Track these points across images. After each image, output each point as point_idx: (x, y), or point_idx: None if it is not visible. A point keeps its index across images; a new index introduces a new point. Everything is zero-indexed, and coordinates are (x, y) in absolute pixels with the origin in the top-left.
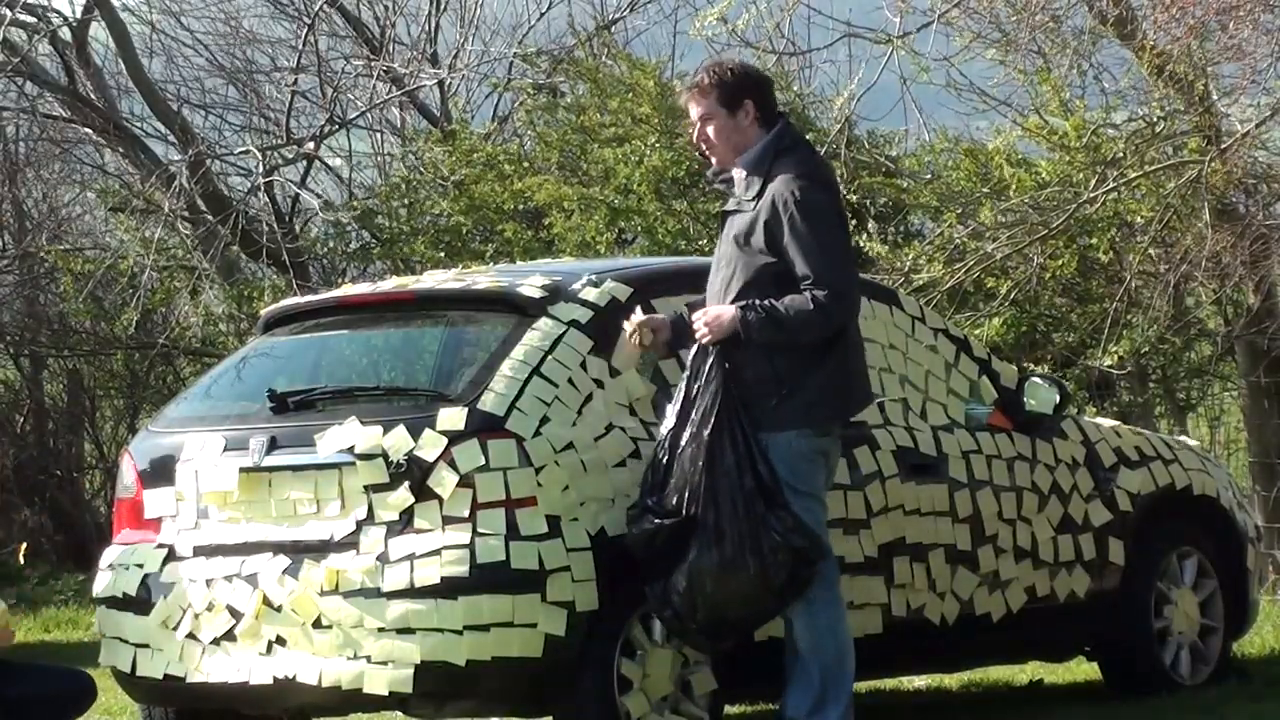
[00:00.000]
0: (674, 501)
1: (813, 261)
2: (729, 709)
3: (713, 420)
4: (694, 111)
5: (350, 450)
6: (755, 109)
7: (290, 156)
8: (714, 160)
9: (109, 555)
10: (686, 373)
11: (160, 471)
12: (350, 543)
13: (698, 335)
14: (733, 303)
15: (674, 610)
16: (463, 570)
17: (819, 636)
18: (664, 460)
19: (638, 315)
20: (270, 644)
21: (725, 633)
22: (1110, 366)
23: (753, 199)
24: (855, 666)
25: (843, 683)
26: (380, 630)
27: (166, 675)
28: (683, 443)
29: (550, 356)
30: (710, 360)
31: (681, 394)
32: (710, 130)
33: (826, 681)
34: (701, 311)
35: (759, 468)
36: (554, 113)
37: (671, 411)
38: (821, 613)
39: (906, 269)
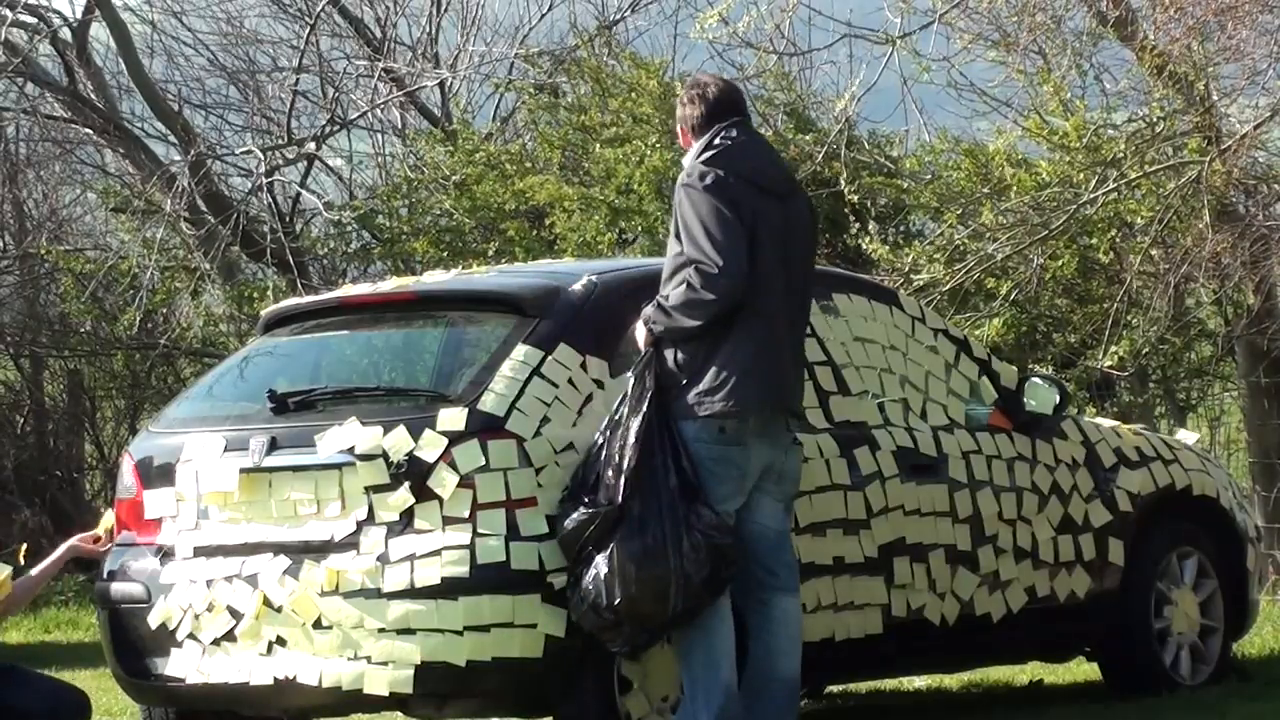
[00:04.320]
0: (605, 495)
1: (689, 244)
2: None
3: (641, 417)
4: None
5: (350, 451)
6: (684, 130)
7: (291, 157)
8: None
9: (109, 557)
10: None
11: (160, 472)
12: (350, 543)
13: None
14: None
15: (590, 602)
16: (463, 571)
17: (690, 644)
18: (597, 457)
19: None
20: (270, 644)
21: (641, 627)
22: (1110, 367)
23: None
24: (849, 669)
25: (713, 685)
26: (381, 631)
27: (167, 675)
28: (615, 439)
29: (550, 357)
30: (643, 360)
31: (620, 396)
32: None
33: (695, 687)
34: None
35: (684, 465)
36: (555, 112)
37: (609, 414)
38: (699, 624)
39: (907, 269)
